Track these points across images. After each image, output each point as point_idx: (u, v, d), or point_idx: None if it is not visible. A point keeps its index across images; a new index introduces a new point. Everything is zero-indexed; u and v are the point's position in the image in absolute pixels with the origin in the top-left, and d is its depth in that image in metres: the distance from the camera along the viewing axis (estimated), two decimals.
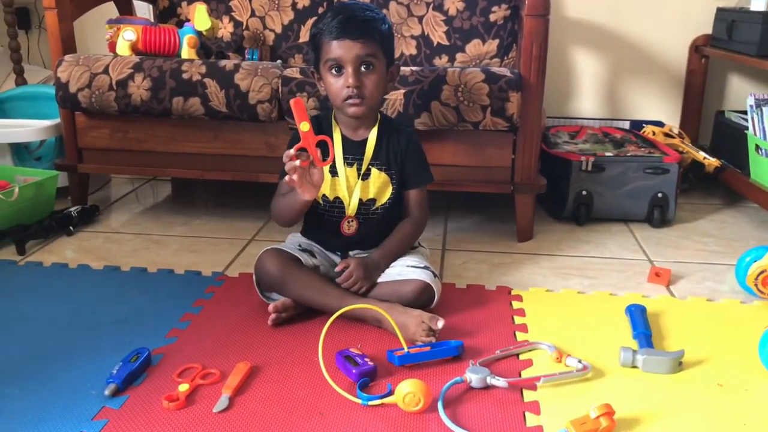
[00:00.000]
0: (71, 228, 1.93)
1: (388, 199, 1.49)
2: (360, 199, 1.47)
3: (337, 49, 1.36)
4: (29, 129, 2.11)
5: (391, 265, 1.46)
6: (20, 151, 2.28)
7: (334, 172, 1.46)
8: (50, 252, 1.81)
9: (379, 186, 1.47)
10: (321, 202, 1.48)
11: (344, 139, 1.47)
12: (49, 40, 1.97)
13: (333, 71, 1.39)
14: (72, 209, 1.98)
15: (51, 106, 2.05)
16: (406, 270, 1.43)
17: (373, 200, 1.48)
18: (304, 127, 1.28)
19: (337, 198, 1.47)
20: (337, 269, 1.43)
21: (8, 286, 1.59)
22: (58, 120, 2.07)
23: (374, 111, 1.47)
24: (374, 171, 1.47)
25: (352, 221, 1.48)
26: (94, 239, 1.90)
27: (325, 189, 1.46)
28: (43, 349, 1.31)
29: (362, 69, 1.38)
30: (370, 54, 1.37)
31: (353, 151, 1.46)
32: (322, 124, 1.48)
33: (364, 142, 1.47)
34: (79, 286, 1.60)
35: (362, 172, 1.46)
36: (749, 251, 1.61)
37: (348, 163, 1.46)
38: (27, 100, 2.35)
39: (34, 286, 1.59)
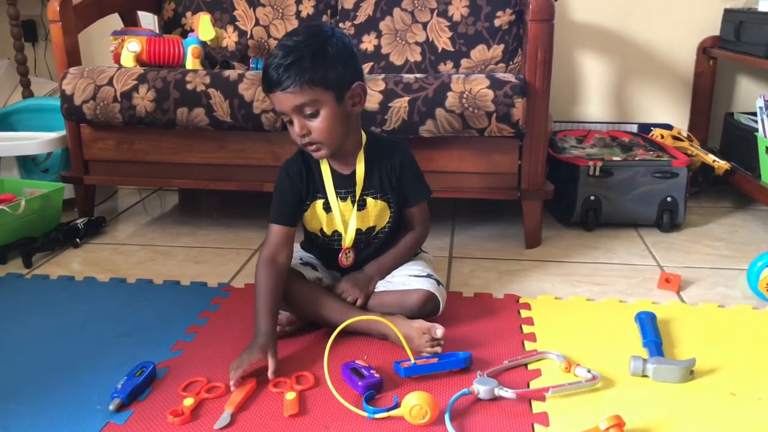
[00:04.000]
0: (78, 240, 1.93)
1: (387, 223, 1.45)
2: (359, 229, 1.42)
3: (275, 102, 1.28)
4: (36, 141, 2.12)
5: (393, 274, 1.45)
6: (27, 164, 2.29)
7: (327, 208, 1.40)
8: (57, 264, 1.81)
9: (376, 214, 1.43)
10: (319, 234, 1.45)
11: (333, 172, 1.39)
12: (54, 52, 1.98)
13: (285, 119, 1.31)
14: (78, 221, 1.99)
15: (57, 118, 2.06)
16: (409, 279, 1.41)
17: (372, 227, 1.44)
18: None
19: (335, 231, 1.43)
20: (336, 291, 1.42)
21: (15, 300, 1.60)
22: (64, 132, 2.07)
23: (349, 141, 1.36)
24: (369, 200, 1.41)
25: (349, 252, 1.44)
26: (100, 251, 1.90)
27: (322, 223, 1.42)
28: (48, 363, 1.30)
29: (307, 113, 1.27)
30: (306, 102, 1.25)
31: (344, 185, 1.39)
32: (308, 159, 1.39)
33: (354, 174, 1.39)
34: (86, 298, 1.60)
35: (356, 203, 1.41)
36: (761, 256, 1.59)
37: (341, 197, 1.40)
38: (33, 113, 2.36)
39: (41, 300, 1.59)
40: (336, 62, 1.27)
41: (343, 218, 1.41)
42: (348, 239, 1.43)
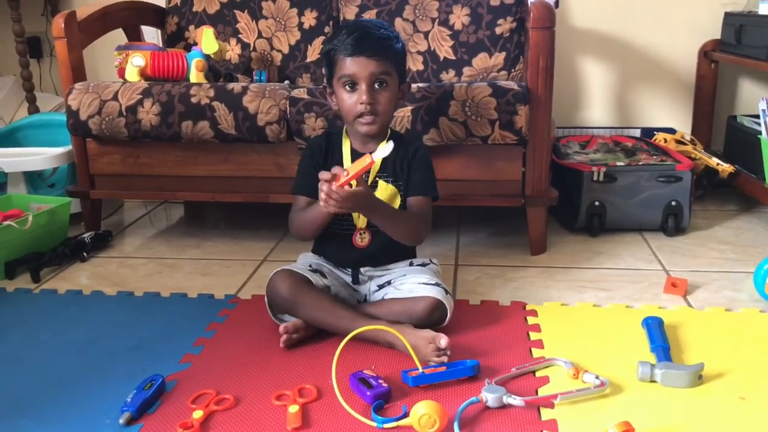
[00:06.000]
0: (85, 254, 1.94)
1: None
2: None
3: (352, 65, 1.38)
4: (42, 157, 2.13)
5: (402, 282, 1.46)
6: (34, 179, 2.30)
7: None
8: (64, 279, 1.82)
9: (386, 198, 1.46)
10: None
11: (353, 151, 1.48)
12: (59, 68, 2.00)
13: (347, 87, 1.41)
14: (85, 235, 1.99)
15: (63, 133, 2.07)
16: (417, 287, 1.42)
17: None
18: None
19: None
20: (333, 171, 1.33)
21: (23, 315, 1.60)
22: (70, 147, 2.09)
23: (385, 128, 1.48)
24: (381, 183, 1.46)
25: (364, 233, 1.47)
26: (107, 265, 1.91)
27: None
28: (57, 378, 1.31)
29: (376, 86, 1.40)
30: (384, 72, 1.39)
31: None
32: (332, 138, 1.51)
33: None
34: (93, 313, 1.60)
35: (369, 183, 1.46)
36: None
37: None
38: (39, 128, 2.37)
39: (49, 315, 1.60)
40: (404, 55, 1.51)
41: None
42: (362, 218, 1.46)
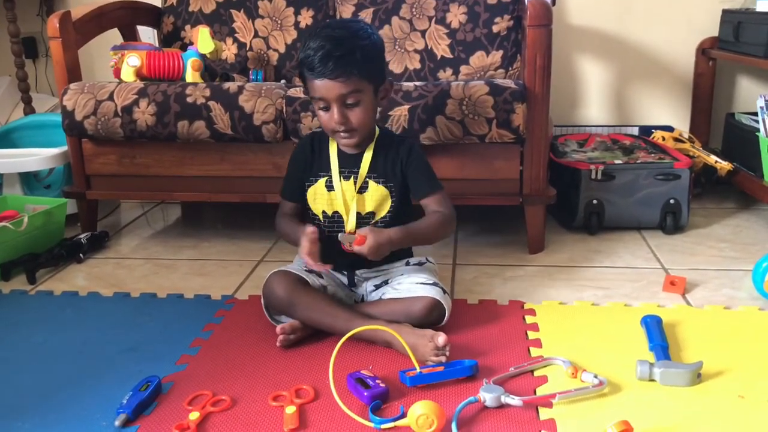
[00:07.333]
0: (81, 255, 1.93)
1: (388, 212, 1.46)
2: (359, 213, 1.45)
3: (320, 88, 1.35)
4: (37, 158, 2.12)
5: (400, 281, 1.45)
6: (30, 180, 2.29)
7: (330, 186, 1.45)
8: (61, 280, 1.81)
9: (377, 199, 1.45)
10: (321, 218, 1.48)
11: (340, 152, 1.47)
12: (55, 69, 1.99)
13: (320, 105, 1.39)
14: (82, 236, 1.99)
15: (59, 134, 2.06)
16: (415, 287, 1.42)
17: (372, 213, 1.46)
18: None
19: (335, 213, 1.46)
20: (347, 234, 1.41)
21: (19, 317, 1.59)
22: (65, 148, 2.08)
23: (369, 135, 1.46)
24: (372, 184, 1.45)
25: (352, 237, 1.46)
26: (104, 266, 1.91)
27: (323, 204, 1.46)
28: (53, 380, 1.30)
29: (347, 103, 1.36)
30: (353, 90, 1.35)
31: (349, 164, 1.46)
32: (320, 139, 1.50)
33: (361, 155, 1.46)
34: (90, 314, 1.60)
35: (358, 185, 1.45)
36: (766, 256, 1.58)
37: (344, 176, 1.45)
38: (35, 129, 2.36)
39: (45, 316, 1.59)
40: (377, 58, 1.42)
41: (344, 197, 1.44)
42: (350, 223, 1.45)
